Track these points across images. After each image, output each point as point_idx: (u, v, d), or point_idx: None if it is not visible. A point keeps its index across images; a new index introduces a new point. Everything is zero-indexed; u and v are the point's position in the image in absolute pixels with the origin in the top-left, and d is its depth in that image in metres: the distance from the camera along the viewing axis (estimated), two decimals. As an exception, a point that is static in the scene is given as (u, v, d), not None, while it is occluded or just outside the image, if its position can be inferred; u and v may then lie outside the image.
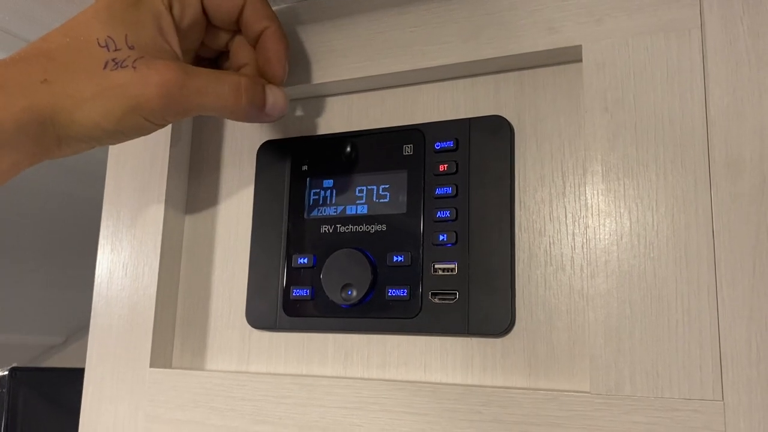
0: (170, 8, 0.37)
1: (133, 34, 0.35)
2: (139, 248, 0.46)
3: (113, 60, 0.34)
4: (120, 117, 0.34)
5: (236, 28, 0.40)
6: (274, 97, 0.38)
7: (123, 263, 0.46)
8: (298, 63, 0.43)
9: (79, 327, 1.44)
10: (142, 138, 0.47)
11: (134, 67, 0.34)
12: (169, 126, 0.46)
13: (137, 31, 0.35)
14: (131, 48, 0.34)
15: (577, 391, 0.33)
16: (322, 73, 0.42)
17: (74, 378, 0.47)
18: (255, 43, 0.40)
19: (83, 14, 0.35)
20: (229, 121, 0.48)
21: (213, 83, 0.36)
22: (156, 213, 0.46)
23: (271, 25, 0.39)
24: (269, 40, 0.39)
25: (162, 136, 0.47)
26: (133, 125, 0.35)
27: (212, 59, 0.42)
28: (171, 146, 0.46)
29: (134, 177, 0.47)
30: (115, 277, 0.46)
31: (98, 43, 0.34)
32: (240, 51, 0.41)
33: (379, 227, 0.40)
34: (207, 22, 0.39)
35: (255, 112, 0.38)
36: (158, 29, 0.36)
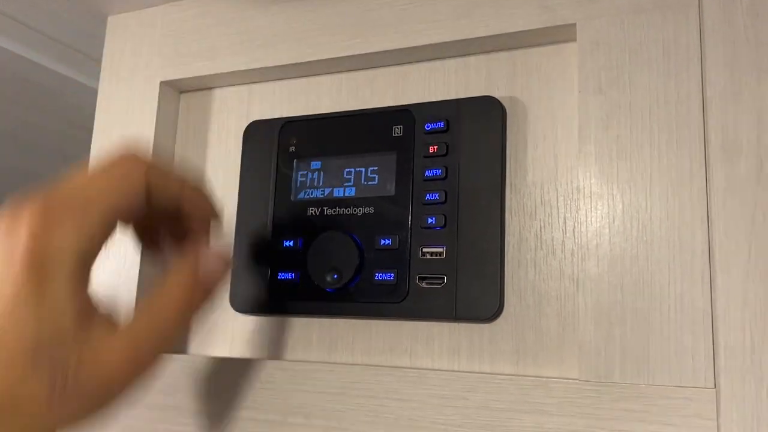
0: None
1: (58, 320, 0.28)
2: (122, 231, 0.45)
3: (53, 375, 0.27)
4: None
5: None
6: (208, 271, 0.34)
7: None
8: (286, 41, 0.42)
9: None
10: (128, 118, 0.46)
11: (79, 377, 0.28)
12: (155, 105, 0.45)
13: (61, 313, 0.28)
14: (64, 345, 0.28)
15: (566, 378, 0.32)
16: (312, 51, 0.41)
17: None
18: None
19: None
20: (216, 100, 0.47)
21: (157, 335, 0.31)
22: (139, 194, 0.45)
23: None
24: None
25: (147, 115, 0.45)
26: None
27: None
28: (156, 125, 0.45)
29: (118, 157, 0.46)
30: (98, 259, 0.45)
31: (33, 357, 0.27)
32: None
33: (366, 210, 0.39)
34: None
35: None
36: (77, 294, 0.29)
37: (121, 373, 0.29)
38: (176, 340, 0.31)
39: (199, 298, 0.33)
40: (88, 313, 0.29)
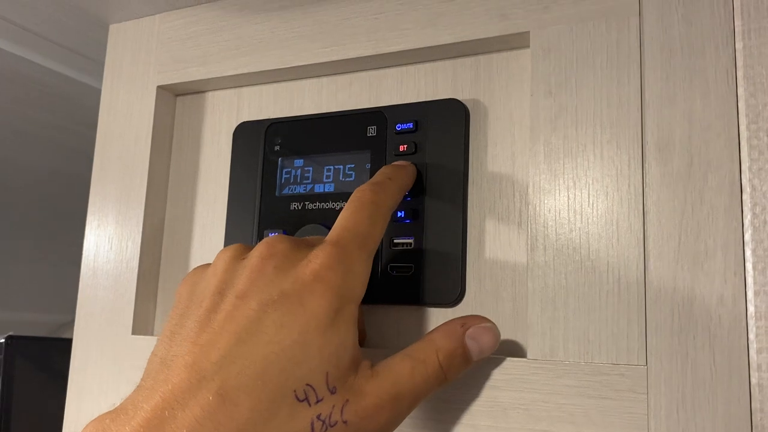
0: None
1: (334, 365, 0.29)
2: (124, 223, 0.49)
3: (318, 418, 0.28)
4: None
5: None
6: (479, 342, 0.33)
7: (108, 237, 0.49)
8: (271, 48, 0.45)
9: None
10: (129, 119, 0.50)
11: (345, 422, 0.28)
12: (153, 107, 0.49)
13: (338, 358, 0.29)
14: (333, 391, 0.28)
15: (515, 357, 0.35)
16: (294, 58, 0.45)
17: (67, 346, 0.50)
18: None
19: (258, 347, 0.28)
20: (209, 101, 0.50)
21: (418, 383, 0.31)
22: (139, 190, 0.48)
23: None
24: None
25: (146, 117, 0.49)
26: None
27: None
28: (154, 126, 0.49)
29: (120, 156, 0.50)
30: (101, 251, 0.49)
31: (296, 396, 0.28)
32: None
33: (344, 204, 0.42)
34: None
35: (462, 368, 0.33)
36: (356, 338, 0.31)
37: (383, 412, 0.29)
38: (430, 394, 0.32)
39: (456, 366, 0.32)
40: (359, 353, 0.31)
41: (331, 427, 0.28)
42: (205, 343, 0.28)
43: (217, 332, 0.28)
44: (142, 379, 0.29)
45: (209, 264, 0.33)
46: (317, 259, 0.31)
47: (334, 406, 0.28)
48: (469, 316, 0.34)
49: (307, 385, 0.28)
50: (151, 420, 0.26)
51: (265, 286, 0.30)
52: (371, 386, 0.30)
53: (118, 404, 0.28)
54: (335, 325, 0.29)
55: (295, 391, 0.27)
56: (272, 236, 0.33)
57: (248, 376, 0.27)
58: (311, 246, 0.32)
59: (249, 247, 0.33)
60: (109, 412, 0.28)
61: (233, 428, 0.26)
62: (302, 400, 0.27)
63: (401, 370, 0.31)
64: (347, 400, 0.29)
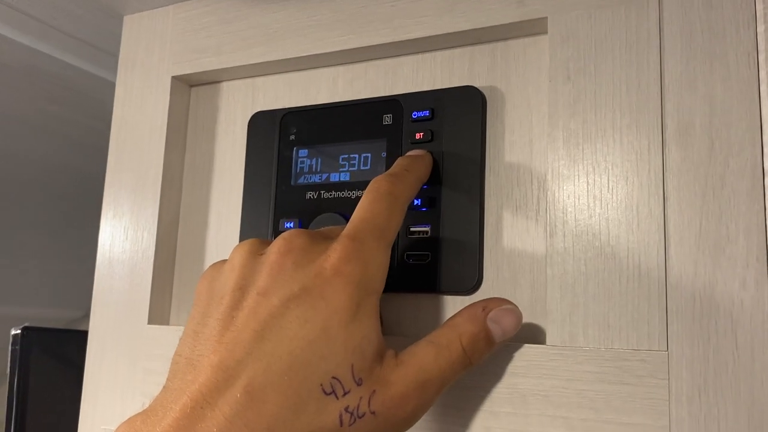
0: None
1: (359, 357, 0.29)
2: (139, 213, 0.49)
3: (346, 410, 0.28)
4: None
5: None
6: (501, 325, 0.33)
7: (124, 228, 0.49)
8: (286, 37, 0.45)
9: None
10: (143, 110, 0.50)
11: (373, 412, 0.28)
12: (168, 98, 0.49)
13: (363, 350, 0.29)
14: (359, 383, 0.29)
15: (535, 343, 0.35)
16: (309, 46, 0.45)
17: (81, 338, 0.50)
18: None
19: (283, 343, 0.28)
20: (223, 92, 0.50)
21: (443, 369, 0.31)
22: (154, 180, 0.48)
23: None
24: None
25: (161, 108, 0.49)
26: None
27: None
28: (169, 117, 0.49)
29: (135, 147, 0.50)
30: (117, 241, 0.49)
31: (323, 389, 0.28)
32: None
33: (359, 193, 0.42)
34: None
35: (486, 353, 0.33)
36: (378, 329, 0.31)
37: (410, 400, 0.30)
38: (455, 379, 0.32)
39: (480, 350, 0.32)
40: (383, 344, 0.31)
41: (360, 418, 0.28)
42: (229, 341, 0.28)
43: (240, 330, 0.28)
44: (168, 380, 0.30)
45: (226, 260, 0.33)
46: (336, 252, 0.31)
47: (361, 398, 0.28)
48: (490, 299, 0.34)
49: (334, 378, 0.28)
50: (180, 420, 0.26)
51: (285, 282, 0.30)
52: (397, 375, 0.30)
53: (148, 405, 0.28)
54: (358, 318, 0.29)
55: (321, 384, 0.28)
56: (289, 231, 0.32)
57: (275, 372, 0.27)
58: (329, 239, 0.32)
59: (264, 242, 0.33)
60: (139, 414, 0.28)
61: (263, 425, 0.26)
62: (329, 394, 0.28)
63: (425, 357, 0.31)
64: (374, 391, 0.29)
